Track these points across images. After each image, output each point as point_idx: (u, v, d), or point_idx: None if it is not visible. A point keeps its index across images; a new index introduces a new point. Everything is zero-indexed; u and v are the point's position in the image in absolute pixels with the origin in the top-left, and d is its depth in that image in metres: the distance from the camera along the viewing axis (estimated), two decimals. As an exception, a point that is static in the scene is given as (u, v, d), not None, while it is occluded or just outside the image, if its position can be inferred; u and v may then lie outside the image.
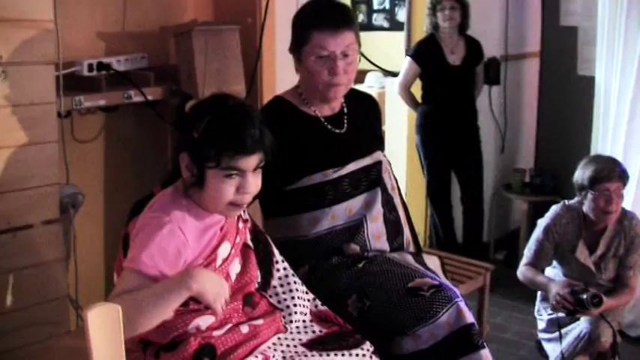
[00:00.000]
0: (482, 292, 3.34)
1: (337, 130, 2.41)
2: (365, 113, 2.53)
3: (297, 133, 2.33)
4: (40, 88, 2.31)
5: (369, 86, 7.05)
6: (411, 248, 2.53)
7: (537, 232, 3.20)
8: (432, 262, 2.51)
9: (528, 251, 3.25)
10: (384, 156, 2.51)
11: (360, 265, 2.24)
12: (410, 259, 2.37)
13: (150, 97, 2.82)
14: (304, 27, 2.28)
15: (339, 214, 2.32)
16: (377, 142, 2.55)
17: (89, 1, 2.87)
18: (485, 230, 4.90)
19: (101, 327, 1.44)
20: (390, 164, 2.54)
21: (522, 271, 3.25)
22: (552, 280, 3.11)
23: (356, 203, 2.35)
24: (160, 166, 2.88)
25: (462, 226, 4.74)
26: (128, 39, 3.00)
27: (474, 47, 4.49)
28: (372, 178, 2.41)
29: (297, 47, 2.31)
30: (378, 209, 2.39)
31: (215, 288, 1.69)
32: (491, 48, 4.75)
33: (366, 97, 2.62)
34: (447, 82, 4.44)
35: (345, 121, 2.44)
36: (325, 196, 2.31)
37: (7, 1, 2.19)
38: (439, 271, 2.48)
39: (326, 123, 2.41)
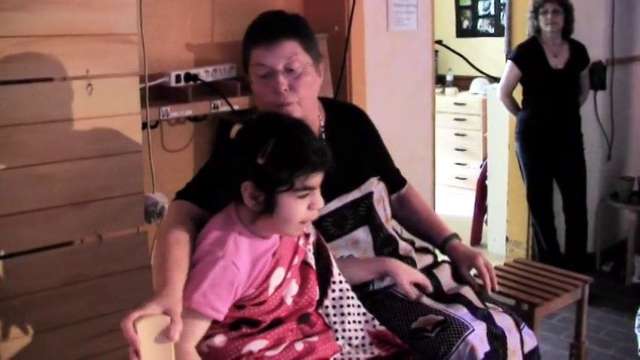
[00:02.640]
0: (580, 306, 3.20)
1: None
2: (352, 133, 2.21)
3: None
4: (124, 100, 2.37)
5: (474, 93, 6.96)
6: (428, 259, 2.31)
7: None
8: (445, 272, 2.25)
9: None
10: (379, 180, 2.20)
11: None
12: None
13: (236, 107, 2.85)
14: (245, 45, 2.01)
15: None
16: (371, 164, 2.23)
17: (178, 13, 2.93)
18: (591, 241, 4.72)
19: (150, 338, 1.46)
20: (385, 189, 2.23)
21: None
22: None
23: (341, 243, 2.10)
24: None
25: (564, 236, 4.58)
26: (217, 49, 3.04)
27: (578, 51, 4.35)
28: (361, 215, 2.13)
29: (245, 68, 2.04)
30: (366, 247, 2.15)
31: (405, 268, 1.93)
32: (596, 52, 4.58)
33: (351, 111, 2.29)
34: (549, 86, 4.31)
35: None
36: None
37: (92, 16, 2.26)
38: (448, 280, 2.22)
39: None
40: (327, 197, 2.00)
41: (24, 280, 2.23)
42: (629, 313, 4.01)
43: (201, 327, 1.67)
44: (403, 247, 2.22)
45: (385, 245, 2.18)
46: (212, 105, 2.80)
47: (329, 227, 2.07)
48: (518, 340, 2.00)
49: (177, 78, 2.77)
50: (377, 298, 2.06)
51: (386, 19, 3.48)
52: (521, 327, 2.04)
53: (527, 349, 2.03)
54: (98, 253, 2.38)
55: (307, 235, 1.91)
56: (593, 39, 4.57)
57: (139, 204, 2.47)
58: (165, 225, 1.86)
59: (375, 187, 2.18)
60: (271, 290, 1.74)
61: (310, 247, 1.90)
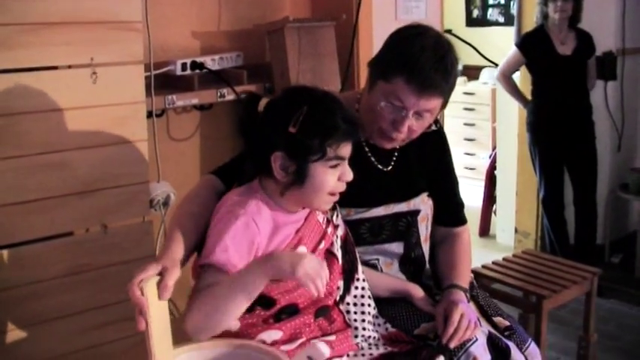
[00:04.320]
0: (588, 298, 3.18)
1: (381, 167, 2.09)
2: (425, 146, 2.14)
3: None
4: (129, 88, 2.34)
5: (484, 83, 6.93)
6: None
7: None
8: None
9: None
10: (429, 197, 2.16)
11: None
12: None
13: (243, 96, 2.83)
14: (394, 62, 1.90)
15: None
16: (428, 182, 2.17)
17: (184, 1, 2.91)
18: (600, 232, 4.69)
19: (153, 298, 1.48)
20: (432, 208, 2.18)
21: None
22: None
23: (369, 249, 2.07)
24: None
25: (574, 227, 4.55)
26: (224, 38, 3.02)
27: (585, 40, 4.32)
28: (399, 230, 2.09)
29: (375, 74, 1.97)
30: (393, 260, 2.11)
31: (303, 265, 1.56)
32: (607, 41, 4.53)
33: (431, 135, 2.17)
34: (558, 73, 4.28)
35: (395, 159, 2.12)
36: None
37: (97, 3, 2.24)
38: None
39: (370, 154, 2.08)
40: (375, 202, 2.04)
41: (28, 270, 2.22)
42: (639, 305, 3.99)
43: (217, 280, 1.63)
44: (427, 272, 2.19)
45: (412, 264, 2.15)
46: (218, 93, 2.79)
47: (364, 232, 2.05)
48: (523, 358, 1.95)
49: (183, 66, 2.75)
50: (380, 304, 2.02)
51: (394, 8, 3.45)
52: (526, 346, 1.99)
53: None
54: (103, 242, 2.37)
55: (336, 226, 1.89)
56: (603, 28, 4.53)
57: (144, 193, 2.46)
58: (188, 197, 1.87)
59: (425, 204, 2.15)
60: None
61: (338, 239, 1.89)
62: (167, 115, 2.86)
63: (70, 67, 2.24)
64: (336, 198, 1.76)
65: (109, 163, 2.33)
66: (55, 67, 2.21)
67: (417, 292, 2.06)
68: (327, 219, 1.88)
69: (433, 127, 2.14)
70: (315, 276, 1.56)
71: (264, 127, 1.71)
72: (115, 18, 2.28)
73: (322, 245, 1.82)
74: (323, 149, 1.65)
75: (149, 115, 2.56)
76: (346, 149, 1.70)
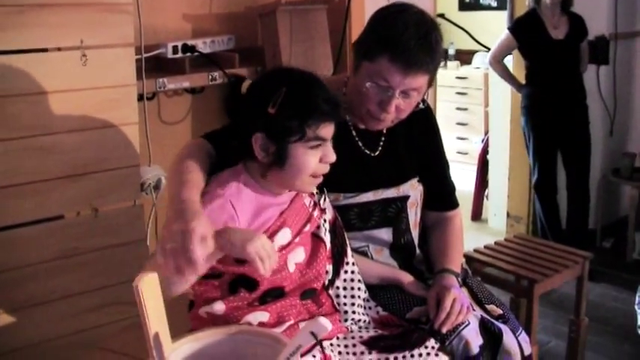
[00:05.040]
0: (580, 282, 3.19)
1: (368, 152, 2.06)
2: (413, 133, 2.14)
3: None
4: (120, 71, 2.33)
5: (476, 67, 6.92)
6: None
7: None
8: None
9: None
10: (420, 183, 2.15)
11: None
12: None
13: (232, 79, 2.81)
14: (377, 42, 1.88)
15: None
16: (418, 166, 2.15)
17: (176, -17, 2.88)
18: (592, 217, 4.70)
19: (149, 294, 1.46)
20: (422, 193, 2.17)
21: None
22: None
23: (358, 235, 2.06)
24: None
25: (566, 212, 4.56)
26: (215, 20, 3.00)
27: (577, 23, 4.31)
28: (388, 215, 2.08)
29: (359, 55, 1.95)
30: (383, 246, 2.10)
31: (254, 243, 1.54)
32: (599, 26, 4.54)
33: (419, 115, 2.15)
34: (551, 57, 4.28)
35: (382, 144, 2.10)
36: None
37: (87, -15, 2.22)
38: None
39: (358, 139, 2.07)
40: (363, 188, 2.03)
41: (18, 253, 2.21)
42: (630, 289, 4.00)
43: None
44: (418, 257, 2.19)
45: (402, 250, 2.14)
46: (210, 77, 2.76)
47: (352, 218, 2.04)
48: (516, 344, 1.96)
49: (175, 49, 2.72)
50: (372, 289, 2.02)
51: (387, -9, 3.42)
52: (518, 333, 2.00)
53: (526, 353, 2.00)
54: (93, 226, 2.36)
55: (323, 210, 1.89)
56: (596, 13, 4.53)
57: (135, 176, 2.45)
58: (184, 155, 1.82)
59: (414, 190, 2.14)
60: (275, 248, 1.71)
61: (327, 224, 1.88)
62: (158, 99, 2.84)
63: (59, 49, 2.22)
64: (319, 180, 1.75)
65: (99, 146, 2.32)
66: (44, 50, 2.19)
67: (407, 278, 2.07)
68: (314, 202, 1.87)
69: (421, 106, 2.13)
70: (265, 256, 1.55)
71: (246, 108, 1.73)
72: (105, 0, 2.26)
73: (307, 228, 1.82)
74: (302, 130, 1.65)
75: (140, 98, 2.53)
76: (327, 130, 1.69)
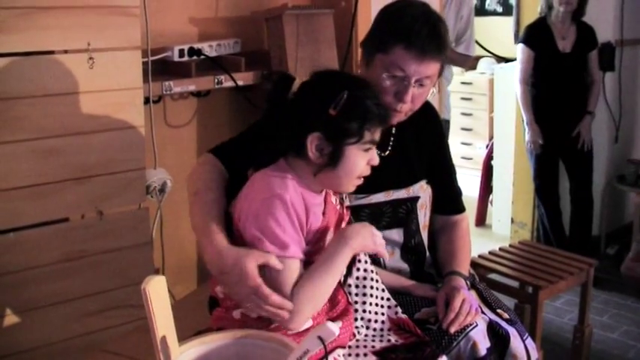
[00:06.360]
0: (584, 289, 3.19)
1: (378, 151, 1.96)
2: (420, 131, 2.16)
3: None
4: (126, 74, 2.33)
5: (482, 72, 6.91)
6: None
7: None
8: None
9: None
10: (428, 185, 2.16)
11: None
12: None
13: (240, 83, 2.81)
14: (390, 33, 1.92)
15: None
16: (426, 168, 2.16)
17: (182, -13, 2.89)
18: (596, 223, 4.69)
19: (156, 297, 1.45)
20: (431, 195, 2.18)
21: None
22: None
23: None
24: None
25: (569, 218, 4.55)
26: (221, 24, 3.00)
27: (586, 34, 4.30)
28: (399, 216, 2.08)
29: (372, 49, 1.97)
30: (394, 247, 2.10)
31: (372, 236, 1.74)
32: (605, 32, 4.52)
33: (426, 109, 2.15)
34: (557, 69, 4.27)
35: (392, 142, 2.11)
36: None
37: (94, -13, 2.22)
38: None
39: None
40: (374, 189, 2.02)
41: (23, 256, 2.21)
42: (634, 296, 3.99)
43: (299, 267, 1.68)
44: (428, 260, 2.19)
45: (413, 252, 2.14)
46: (216, 80, 2.76)
47: (364, 218, 2.03)
48: (523, 348, 1.95)
49: (181, 52, 2.72)
50: None
51: (393, -4, 3.43)
52: (525, 337, 1.99)
53: (533, 358, 1.99)
54: (98, 228, 2.36)
55: (347, 208, 1.91)
56: (602, 19, 4.51)
57: (141, 180, 2.45)
58: (198, 179, 1.84)
59: (424, 192, 2.15)
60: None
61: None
62: (164, 102, 2.84)
63: (66, 52, 2.23)
64: (361, 181, 1.78)
65: (105, 149, 2.32)
66: (51, 52, 2.20)
67: (416, 287, 2.07)
68: (340, 201, 1.88)
69: (430, 95, 2.15)
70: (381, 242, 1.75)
71: (300, 107, 1.72)
72: (112, 3, 2.27)
73: (342, 226, 1.83)
74: (361, 133, 1.67)
75: (146, 101, 2.54)
76: (378, 134, 1.73)
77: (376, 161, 1.75)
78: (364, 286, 1.90)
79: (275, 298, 1.59)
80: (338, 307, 1.82)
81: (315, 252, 1.72)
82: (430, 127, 2.20)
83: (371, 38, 2.00)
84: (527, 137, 4.43)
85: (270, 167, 1.75)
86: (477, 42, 5.03)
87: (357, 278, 1.90)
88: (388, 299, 1.93)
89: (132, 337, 2.21)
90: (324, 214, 1.76)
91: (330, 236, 1.76)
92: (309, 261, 1.71)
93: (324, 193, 1.80)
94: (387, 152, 2.10)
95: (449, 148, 2.28)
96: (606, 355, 3.52)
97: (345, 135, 1.67)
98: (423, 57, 1.90)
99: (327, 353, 1.51)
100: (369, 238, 1.74)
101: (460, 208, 2.26)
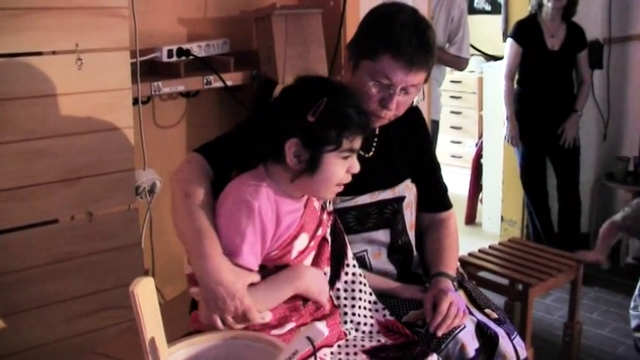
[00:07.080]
0: (574, 286, 3.21)
1: (362, 152, 2.00)
2: (404, 132, 2.15)
3: None
4: (115, 75, 2.33)
5: (470, 71, 6.88)
6: None
7: None
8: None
9: None
10: (413, 184, 2.15)
11: None
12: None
13: (229, 83, 2.81)
14: (378, 41, 1.89)
15: None
16: (411, 167, 2.16)
17: (170, -13, 2.88)
18: (586, 221, 4.71)
19: (145, 299, 1.46)
20: (416, 194, 2.17)
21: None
22: None
23: (357, 238, 2.05)
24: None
25: (557, 215, 4.57)
26: (210, 24, 2.99)
27: (575, 33, 4.33)
28: (385, 217, 2.08)
29: (359, 55, 1.94)
30: (381, 249, 2.10)
31: (319, 285, 1.77)
32: (593, 30, 4.54)
33: (409, 109, 2.10)
34: (544, 67, 4.30)
35: (375, 143, 2.10)
36: None
37: (82, -12, 2.22)
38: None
39: None
40: (359, 190, 2.01)
41: (13, 258, 2.21)
42: (623, 293, 4.01)
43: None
44: (416, 260, 2.19)
45: (400, 252, 2.13)
46: (205, 80, 2.76)
47: (350, 220, 2.04)
48: (512, 348, 1.96)
49: (169, 53, 2.72)
50: None
51: (382, -5, 3.43)
52: (513, 337, 2.00)
53: (521, 357, 2.00)
54: (88, 230, 2.35)
55: (330, 213, 1.90)
56: (590, 17, 4.53)
57: (130, 180, 2.44)
58: (189, 181, 1.80)
59: (409, 191, 2.14)
60: (294, 254, 1.73)
61: (329, 226, 1.89)
62: (153, 102, 2.83)
63: (54, 52, 2.22)
64: (341, 189, 1.77)
65: (94, 150, 2.31)
66: (39, 53, 2.19)
67: (403, 290, 2.07)
68: (322, 206, 1.88)
69: (414, 103, 2.15)
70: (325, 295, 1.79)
71: (280, 113, 1.70)
72: (100, 4, 2.27)
73: (320, 232, 1.82)
74: (339, 141, 1.66)
75: (135, 102, 2.53)
76: (358, 142, 1.72)
77: (356, 169, 1.74)
78: (353, 290, 1.91)
79: (253, 314, 1.65)
80: (322, 309, 1.82)
81: (282, 256, 1.72)
82: (412, 124, 2.19)
83: (358, 43, 1.97)
84: (504, 131, 4.45)
85: (248, 173, 1.75)
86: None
87: (346, 282, 1.91)
88: (375, 302, 1.93)
89: (121, 338, 2.20)
90: (300, 218, 1.75)
91: (301, 241, 1.75)
92: (278, 265, 1.73)
93: (304, 198, 1.79)
94: (371, 153, 2.09)
95: (433, 145, 2.27)
96: (596, 351, 3.54)
97: (323, 142, 1.65)
98: (410, 67, 1.88)
99: (315, 352, 1.51)
100: (315, 287, 1.76)
101: (446, 205, 2.25)
